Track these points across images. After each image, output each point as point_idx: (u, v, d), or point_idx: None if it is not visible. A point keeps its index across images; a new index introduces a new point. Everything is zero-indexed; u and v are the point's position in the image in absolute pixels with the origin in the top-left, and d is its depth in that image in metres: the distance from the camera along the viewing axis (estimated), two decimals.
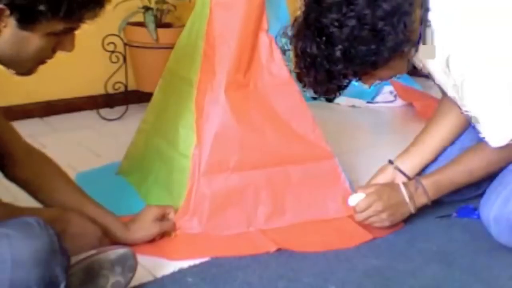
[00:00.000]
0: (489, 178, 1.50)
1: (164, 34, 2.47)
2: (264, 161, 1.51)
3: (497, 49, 1.29)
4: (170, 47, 2.26)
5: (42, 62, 1.08)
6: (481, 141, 1.40)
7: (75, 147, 2.11)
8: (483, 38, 1.29)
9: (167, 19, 2.59)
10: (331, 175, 1.58)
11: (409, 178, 1.59)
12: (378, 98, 2.89)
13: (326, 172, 1.57)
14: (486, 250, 1.45)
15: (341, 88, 1.40)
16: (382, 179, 1.59)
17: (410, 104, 2.75)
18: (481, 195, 1.48)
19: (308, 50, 1.31)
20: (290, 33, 1.39)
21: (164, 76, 1.74)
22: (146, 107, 1.82)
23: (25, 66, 1.06)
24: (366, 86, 1.48)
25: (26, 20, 0.98)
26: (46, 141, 2.09)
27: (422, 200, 1.50)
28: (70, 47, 1.08)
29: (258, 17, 1.51)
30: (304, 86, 1.42)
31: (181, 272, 1.31)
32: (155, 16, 2.49)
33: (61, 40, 1.06)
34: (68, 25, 1.03)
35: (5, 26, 0.98)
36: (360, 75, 1.36)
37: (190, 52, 1.59)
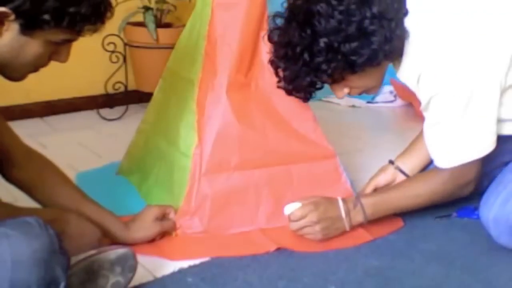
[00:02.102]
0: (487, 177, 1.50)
1: (164, 34, 2.47)
2: (265, 160, 1.51)
3: (461, 74, 1.30)
4: (170, 47, 2.27)
5: (36, 69, 1.09)
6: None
7: (75, 147, 2.11)
8: (450, 61, 1.31)
9: (167, 19, 2.59)
10: (332, 175, 1.58)
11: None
12: (378, 98, 2.89)
13: (327, 171, 1.57)
14: (486, 250, 1.45)
15: (312, 88, 1.40)
16: (383, 179, 1.59)
17: (410, 104, 2.75)
18: (481, 194, 1.48)
19: (291, 39, 1.31)
20: (273, 23, 1.40)
21: (165, 76, 1.74)
22: (146, 107, 1.82)
23: (19, 71, 1.07)
24: (338, 96, 1.46)
25: (29, 26, 0.99)
26: (46, 141, 2.09)
27: (358, 218, 1.45)
28: (65, 58, 1.10)
29: (259, 17, 1.51)
30: (279, 81, 1.44)
31: (181, 272, 1.31)
32: (155, 16, 2.49)
33: (58, 49, 1.07)
34: (68, 36, 1.04)
35: (6, 30, 0.99)
36: (335, 77, 1.35)
37: (191, 52, 1.59)
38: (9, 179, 1.32)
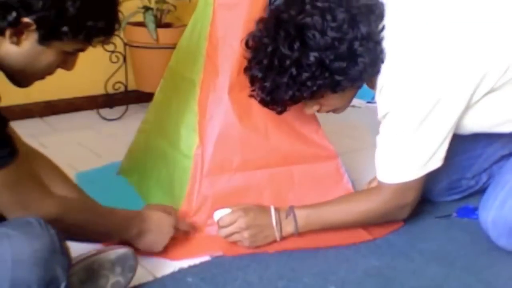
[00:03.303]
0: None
1: (164, 34, 2.47)
2: (267, 161, 1.51)
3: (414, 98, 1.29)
4: (170, 47, 2.27)
5: (43, 77, 1.12)
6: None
7: (75, 147, 2.11)
8: (412, 76, 1.28)
9: (167, 19, 2.59)
10: (334, 176, 1.58)
11: None
12: None
13: (329, 172, 1.57)
14: (486, 250, 1.45)
15: (291, 102, 1.35)
16: None
17: None
18: (482, 192, 1.48)
19: (278, 49, 1.26)
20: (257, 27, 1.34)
21: (166, 76, 1.74)
22: (146, 107, 1.82)
23: (30, 79, 1.10)
24: (306, 112, 1.43)
25: (48, 37, 1.02)
26: (46, 141, 2.09)
27: (289, 228, 1.40)
28: (72, 67, 1.13)
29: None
30: (253, 90, 1.37)
31: (181, 272, 1.31)
32: (155, 16, 2.49)
33: (66, 59, 1.10)
34: (80, 46, 1.08)
35: (25, 39, 1.01)
36: (315, 95, 1.32)
37: (192, 52, 1.59)
38: None
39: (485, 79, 1.30)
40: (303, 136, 1.56)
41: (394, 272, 1.34)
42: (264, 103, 1.38)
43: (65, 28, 1.01)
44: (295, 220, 1.40)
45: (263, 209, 1.41)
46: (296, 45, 1.25)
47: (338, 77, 1.28)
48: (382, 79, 1.31)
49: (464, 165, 1.68)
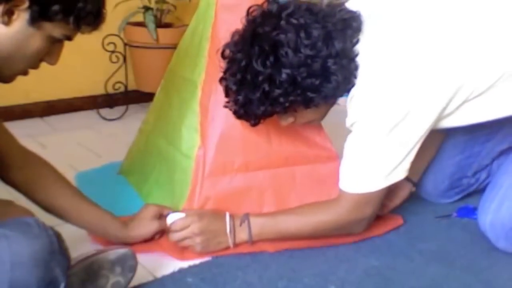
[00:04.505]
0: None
1: (164, 34, 2.47)
2: (268, 162, 1.51)
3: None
4: (170, 47, 2.27)
5: (26, 71, 1.10)
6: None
7: (75, 147, 2.11)
8: (383, 86, 1.27)
9: (167, 19, 2.59)
10: (335, 176, 1.57)
11: (413, 183, 1.60)
12: None
13: (330, 173, 1.56)
14: (486, 250, 1.45)
15: (264, 116, 1.35)
16: None
17: None
18: (482, 191, 1.48)
19: (252, 64, 1.25)
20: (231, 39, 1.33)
21: (167, 77, 1.74)
22: (146, 107, 1.82)
23: (14, 68, 1.07)
24: (281, 124, 1.42)
25: (40, 16, 1.00)
26: (46, 141, 2.09)
27: (242, 236, 1.38)
28: (56, 60, 1.11)
29: None
30: (228, 102, 1.37)
31: (181, 272, 1.31)
32: (155, 16, 2.49)
33: (51, 50, 1.08)
34: (68, 32, 1.06)
35: (16, 19, 1.00)
36: (288, 109, 1.32)
37: (194, 53, 1.59)
38: (7, 181, 1.31)
39: (460, 91, 1.28)
40: (305, 137, 1.56)
41: (394, 272, 1.34)
42: (237, 115, 1.37)
43: (56, 7, 1.00)
44: (249, 228, 1.38)
45: (218, 215, 1.39)
46: (269, 61, 1.24)
47: (310, 94, 1.27)
48: (353, 89, 1.30)
49: (464, 164, 1.68)
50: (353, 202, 1.36)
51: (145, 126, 1.79)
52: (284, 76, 1.24)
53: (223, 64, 1.35)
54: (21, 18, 1.00)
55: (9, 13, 0.99)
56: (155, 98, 1.78)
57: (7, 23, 1.00)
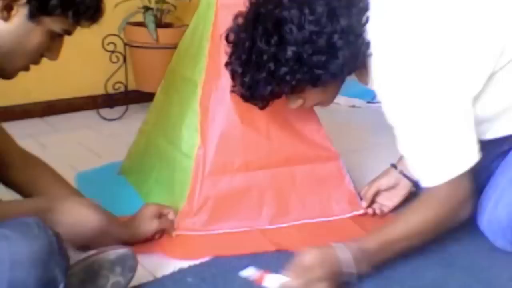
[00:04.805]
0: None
1: (164, 34, 2.47)
2: (269, 161, 1.51)
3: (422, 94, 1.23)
4: (170, 47, 2.27)
5: (27, 67, 1.10)
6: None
7: (75, 147, 2.11)
8: (419, 71, 1.23)
9: (167, 19, 2.59)
10: (335, 176, 1.58)
11: (413, 182, 1.59)
12: (378, 98, 2.88)
13: (330, 173, 1.57)
14: (486, 250, 1.45)
15: (271, 97, 1.33)
16: (386, 182, 1.59)
17: None
18: (481, 191, 1.48)
19: (256, 44, 1.24)
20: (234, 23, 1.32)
21: (167, 77, 1.74)
22: (146, 107, 1.82)
23: (15, 64, 1.08)
24: (290, 107, 1.40)
25: (39, 10, 1.01)
26: (46, 141, 2.09)
27: (362, 267, 1.24)
28: (56, 55, 1.12)
29: None
30: (234, 86, 1.36)
31: (181, 272, 1.31)
32: (155, 16, 2.49)
33: (51, 45, 1.09)
34: (67, 26, 1.06)
35: (15, 14, 1.01)
36: (296, 89, 1.30)
37: (194, 53, 1.59)
38: (6, 182, 1.31)
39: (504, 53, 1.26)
40: (305, 136, 1.56)
41: (394, 272, 1.34)
42: (244, 98, 1.35)
43: (54, 1, 1.00)
44: (364, 257, 1.23)
45: (325, 259, 1.19)
46: (274, 39, 1.23)
47: (317, 71, 1.25)
48: (379, 77, 1.28)
49: None
50: (447, 193, 1.28)
51: (145, 127, 1.79)
52: (289, 53, 1.23)
53: (227, 48, 1.34)
54: (20, 13, 1.01)
55: (8, 8, 0.99)
56: (155, 98, 1.78)
57: (6, 19, 1.00)
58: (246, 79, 1.29)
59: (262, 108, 1.38)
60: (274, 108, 1.53)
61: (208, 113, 1.50)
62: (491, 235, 1.42)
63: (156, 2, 2.52)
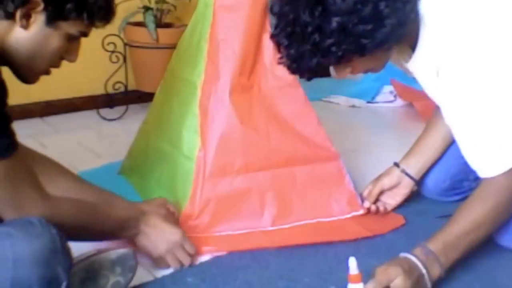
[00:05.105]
0: None
1: (164, 34, 2.47)
2: (269, 162, 1.51)
3: (489, 74, 1.22)
4: (170, 47, 2.27)
5: (48, 70, 1.14)
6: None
7: (75, 147, 2.11)
8: (480, 51, 1.22)
9: (167, 19, 2.59)
10: (336, 176, 1.58)
11: (415, 181, 1.60)
12: (378, 98, 2.89)
13: (331, 173, 1.57)
14: (486, 250, 1.44)
15: (318, 69, 1.29)
16: (388, 181, 1.59)
17: (410, 104, 2.75)
18: None
19: (300, 16, 1.22)
20: None
21: (166, 77, 1.74)
22: (146, 107, 1.82)
23: (36, 68, 1.11)
24: (338, 77, 1.37)
25: (55, 16, 1.05)
26: (47, 141, 2.09)
27: (435, 271, 1.24)
28: (75, 57, 1.15)
29: (262, 19, 1.51)
30: (280, 58, 1.33)
31: (181, 272, 1.31)
32: (155, 16, 2.49)
33: (70, 47, 1.12)
34: (83, 28, 1.10)
35: (33, 22, 1.04)
36: (343, 59, 1.27)
37: (193, 54, 1.59)
38: None
39: None
40: (305, 137, 1.56)
41: None
42: (291, 70, 1.33)
43: (69, 5, 1.04)
44: (437, 259, 1.24)
45: (407, 267, 1.21)
46: (317, 11, 1.20)
47: (363, 41, 1.22)
48: (437, 57, 1.25)
49: (469, 167, 1.67)
50: (505, 178, 1.26)
51: (145, 126, 1.79)
52: (334, 24, 1.20)
53: (273, 20, 1.32)
54: (38, 20, 1.04)
55: (27, 17, 1.03)
56: (155, 99, 1.78)
57: (26, 27, 1.04)
58: (292, 51, 1.27)
59: (308, 79, 1.34)
60: (273, 109, 1.54)
61: (207, 115, 1.50)
62: (495, 233, 1.41)
63: (156, 2, 2.52)
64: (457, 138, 1.32)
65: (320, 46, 1.22)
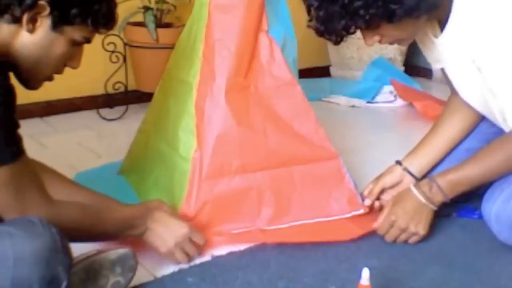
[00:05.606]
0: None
1: (164, 34, 2.47)
2: (266, 162, 1.50)
3: None
4: (170, 47, 2.26)
5: (51, 77, 1.15)
6: (498, 136, 1.37)
7: (75, 147, 2.11)
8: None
9: (167, 19, 2.59)
10: (335, 175, 1.57)
11: (417, 179, 1.59)
12: (378, 98, 2.89)
13: (330, 172, 1.56)
14: (486, 250, 1.45)
15: (345, 32, 1.30)
16: (390, 180, 1.59)
17: (410, 104, 2.75)
18: (482, 195, 1.48)
19: None
20: None
21: (164, 77, 1.74)
22: (146, 107, 1.82)
23: (41, 74, 1.12)
24: (367, 43, 1.38)
25: (61, 20, 1.06)
26: (47, 141, 2.09)
27: (438, 198, 1.43)
28: (78, 63, 1.17)
29: (258, 18, 1.51)
30: (310, 20, 1.33)
31: (181, 272, 1.31)
32: (155, 16, 2.49)
33: (73, 53, 1.13)
34: (87, 33, 1.12)
35: (39, 26, 1.05)
36: (371, 24, 1.27)
37: (189, 54, 1.58)
38: None
39: None
40: (303, 136, 1.55)
41: (394, 272, 1.34)
42: (319, 33, 1.33)
43: (74, 11, 1.06)
44: (441, 189, 1.42)
45: (404, 196, 1.45)
46: None
47: (392, 6, 1.23)
48: (473, 31, 1.26)
49: None
50: None
51: (144, 126, 1.78)
52: None
53: None
54: (44, 25, 1.06)
55: (33, 21, 1.04)
56: (153, 99, 1.78)
57: (32, 31, 1.05)
58: (321, 13, 1.28)
59: (336, 43, 1.36)
60: (270, 109, 1.54)
61: (203, 115, 1.49)
62: (497, 227, 1.41)
63: (156, 2, 2.52)
64: (499, 90, 1.32)
65: (348, 8, 1.24)
